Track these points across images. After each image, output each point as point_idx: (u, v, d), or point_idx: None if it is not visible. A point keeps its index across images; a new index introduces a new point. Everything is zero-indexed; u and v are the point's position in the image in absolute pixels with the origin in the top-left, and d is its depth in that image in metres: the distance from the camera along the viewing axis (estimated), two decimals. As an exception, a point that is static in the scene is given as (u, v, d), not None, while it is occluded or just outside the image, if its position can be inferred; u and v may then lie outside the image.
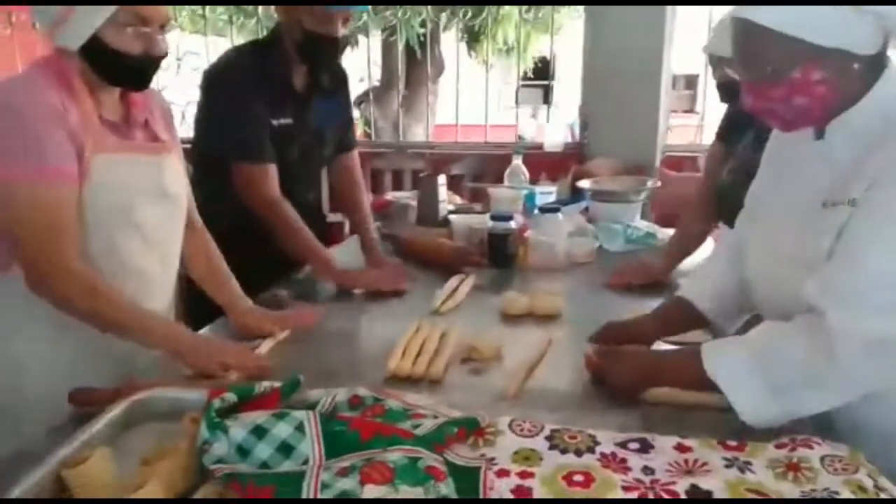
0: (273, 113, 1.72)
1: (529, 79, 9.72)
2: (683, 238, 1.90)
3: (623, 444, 0.93)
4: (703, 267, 1.37)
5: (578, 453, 0.90)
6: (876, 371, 0.97)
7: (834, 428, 1.07)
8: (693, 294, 1.31)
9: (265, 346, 1.34)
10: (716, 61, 1.82)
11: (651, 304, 1.67)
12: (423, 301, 1.65)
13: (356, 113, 6.62)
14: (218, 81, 1.73)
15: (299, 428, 0.85)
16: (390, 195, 2.49)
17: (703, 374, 1.03)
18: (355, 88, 6.00)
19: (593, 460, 0.89)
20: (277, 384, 1.01)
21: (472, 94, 4.52)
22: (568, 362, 1.30)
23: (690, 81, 9.30)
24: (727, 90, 1.99)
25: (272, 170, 1.69)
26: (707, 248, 1.90)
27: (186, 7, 5.75)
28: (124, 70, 1.26)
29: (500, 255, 1.95)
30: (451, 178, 3.86)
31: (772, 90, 0.99)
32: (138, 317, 1.25)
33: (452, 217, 2.19)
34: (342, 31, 1.68)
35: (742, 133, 1.73)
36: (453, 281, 1.77)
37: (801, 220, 1.06)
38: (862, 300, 0.94)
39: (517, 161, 2.35)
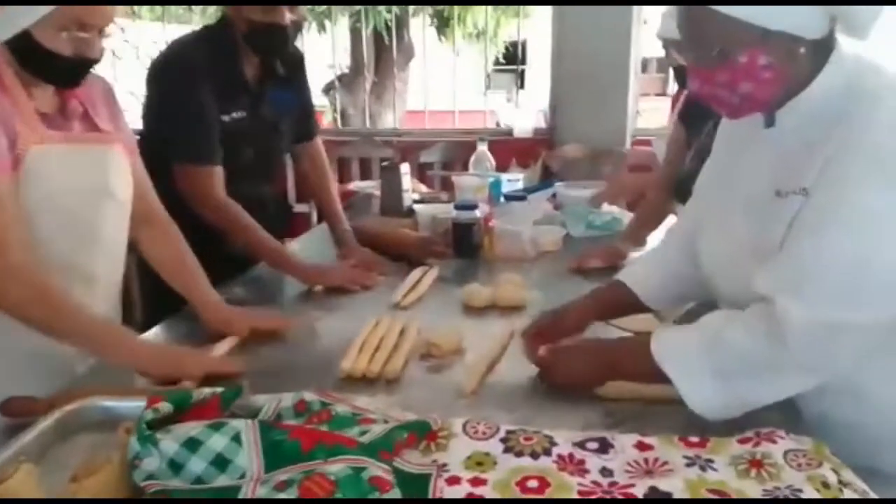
0: (224, 108, 1.65)
1: (501, 64, 9.65)
2: (644, 221, 1.90)
3: (581, 444, 0.90)
4: (648, 253, 1.34)
5: (534, 456, 0.86)
6: (827, 358, 0.95)
7: (802, 419, 1.05)
8: (630, 278, 1.27)
9: (222, 348, 1.28)
10: (668, 45, 1.81)
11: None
12: (384, 294, 1.60)
13: (324, 101, 6.56)
14: (162, 75, 1.64)
15: (236, 439, 0.80)
16: (353, 185, 2.43)
17: (654, 364, 1.00)
18: (325, 75, 5.92)
19: (549, 463, 0.85)
20: (219, 390, 0.96)
21: (444, 81, 4.46)
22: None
23: (662, 64, 9.31)
24: (682, 75, 1.99)
25: (218, 172, 1.61)
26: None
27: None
28: (54, 70, 1.18)
29: (464, 246, 1.90)
30: (420, 167, 3.83)
31: (717, 74, 0.96)
32: (92, 329, 1.16)
33: (417, 207, 2.14)
34: (290, 17, 1.61)
35: (704, 118, 1.70)
36: (416, 273, 1.72)
37: (755, 209, 1.03)
38: (811, 286, 0.92)
39: (482, 148, 2.30)
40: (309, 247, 2.00)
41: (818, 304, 0.91)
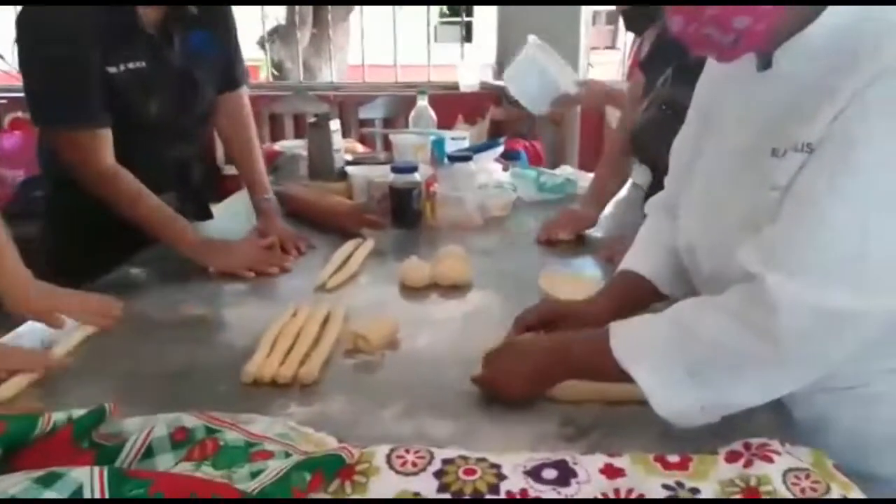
0: (114, 59, 1.35)
1: (447, 16, 9.30)
2: (605, 180, 1.71)
3: (536, 474, 0.72)
4: (642, 233, 1.14)
5: (476, 496, 0.68)
6: (822, 350, 0.76)
7: (793, 422, 0.89)
8: (642, 267, 1.07)
9: (65, 345, 1.06)
10: None
11: (576, 262, 1.49)
12: (308, 273, 1.39)
13: (260, 54, 6.16)
14: (24, 25, 1.34)
15: (76, 497, 0.59)
16: (279, 145, 2.16)
17: (615, 362, 0.82)
18: (257, 27, 5.53)
19: (496, 504, 0.67)
20: (78, 413, 0.75)
21: (388, 33, 4.15)
22: (475, 347, 1.08)
23: (612, 16, 9.11)
24: (630, 19, 1.80)
25: (100, 135, 1.33)
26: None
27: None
28: None
29: (403, 213, 1.69)
30: (361, 124, 3.57)
31: (706, 9, 0.76)
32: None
33: (350, 169, 1.91)
34: None
35: (663, 66, 1.51)
36: (347, 247, 1.51)
37: (744, 170, 0.85)
38: (809, 264, 0.74)
39: (422, 103, 2.06)
40: (226, 218, 1.75)
41: (819, 287, 0.73)
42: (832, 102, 0.74)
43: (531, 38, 1.99)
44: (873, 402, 0.87)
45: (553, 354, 0.90)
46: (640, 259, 1.08)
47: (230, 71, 1.62)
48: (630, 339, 0.83)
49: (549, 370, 0.90)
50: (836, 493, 0.70)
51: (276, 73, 6.27)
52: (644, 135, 1.54)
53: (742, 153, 0.87)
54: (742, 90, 0.89)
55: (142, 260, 1.45)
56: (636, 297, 1.06)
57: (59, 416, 0.74)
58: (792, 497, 0.69)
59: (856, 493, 0.71)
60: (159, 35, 1.43)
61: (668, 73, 1.50)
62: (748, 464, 0.74)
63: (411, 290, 1.32)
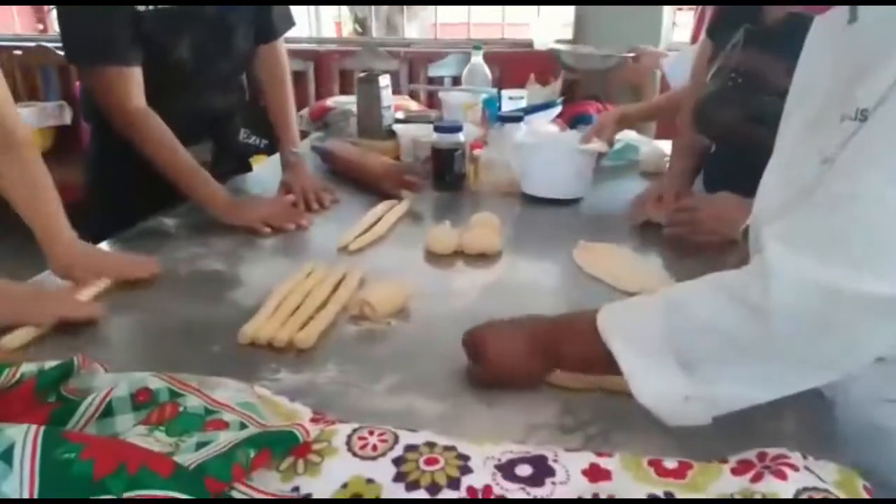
0: None
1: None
2: (685, 150, 1.53)
3: (508, 469, 0.65)
4: None
5: (434, 488, 0.61)
6: (837, 343, 0.64)
7: (835, 432, 0.78)
8: None
9: (87, 293, 1.05)
10: None
11: (614, 235, 1.37)
12: (335, 233, 1.34)
13: (344, 10, 6.13)
14: None
15: (5, 457, 0.57)
16: (331, 100, 2.12)
17: (601, 346, 0.73)
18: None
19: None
20: (52, 364, 0.73)
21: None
22: (488, 317, 1.01)
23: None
24: None
25: (129, 74, 1.31)
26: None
27: None
28: None
29: (444, 176, 1.62)
30: (429, 81, 3.49)
31: None
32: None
33: (397, 127, 1.85)
34: None
35: (732, 30, 1.36)
36: (380, 208, 1.46)
37: (810, 144, 0.73)
38: (830, 241, 0.62)
39: (477, 59, 1.96)
40: (264, 177, 1.73)
41: (823, 262, 0.61)
42: (892, 70, 0.61)
43: None
44: None
45: (538, 338, 0.81)
46: None
47: (266, 20, 1.58)
48: (617, 314, 0.74)
49: (535, 357, 0.81)
50: (856, 522, 0.60)
51: (359, 29, 6.23)
52: (709, 107, 1.39)
53: (811, 121, 0.75)
54: (826, 49, 0.76)
55: (177, 211, 1.45)
56: None
57: (28, 368, 0.73)
58: (800, 522, 0.60)
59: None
60: None
61: (739, 36, 1.35)
62: (757, 478, 0.64)
63: (436, 257, 1.26)
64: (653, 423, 0.75)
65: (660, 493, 0.63)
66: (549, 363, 0.80)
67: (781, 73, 1.23)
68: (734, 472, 0.66)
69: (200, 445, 0.63)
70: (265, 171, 1.76)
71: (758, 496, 0.62)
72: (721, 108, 1.35)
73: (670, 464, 0.67)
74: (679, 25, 3.48)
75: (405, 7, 4.61)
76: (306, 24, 4.29)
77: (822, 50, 0.79)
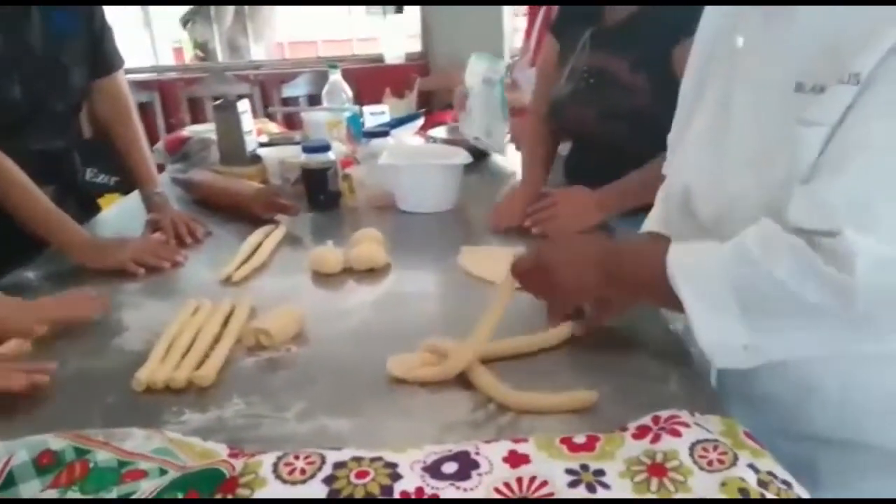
0: None
1: (375, -14, 9.11)
2: (536, 159, 1.61)
3: (436, 469, 0.68)
4: (658, 197, 1.08)
5: (368, 498, 0.63)
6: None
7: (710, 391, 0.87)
8: (661, 226, 1.04)
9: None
10: None
11: (494, 237, 1.44)
12: (214, 266, 1.31)
13: (183, 35, 5.90)
14: None
15: None
16: (187, 130, 2.05)
17: (667, 281, 0.77)
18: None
19: (388, 508, 0.63)
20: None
21: (319, 8, 3.99)
22: (385, 333, 1.04)
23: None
24: None
25: None
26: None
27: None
28: None
29: (318, 195, 1.62)
30: (283, 102, 3.45)
31: None
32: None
33: (262, 151, 1.82)
34: None
35: (579, 29, 1.46)
36: (256, 235, 1.44)
37: (764, 108, 0.79)
38: (884, 213, 0.67)
39: (335, 77, 1.98)
40: (121, 217, 1.65)
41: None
42: (888, 33, 0.66)
43: None
44: (857, 366, 0.83)
45: (603, 269, 0.86)
46: (657, 220, 1.05)
47: (101, 54, 1.51)
48: (687, 259, 0.77)
49: (598, 284, 0.86)
50: (744, 462, 0.68)
51: (200, 54, 6.01)
52: (567, 107, 1.48)
53: (757, 87, 0.80)
54: (756, 24, 0.82)
55: (38, 262, 1.35)
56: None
57: None
58: (699, 469, 0.67)
59: (767, 460, 0.69)
60: (15, 11, 1.33)
61: (586, 37, 1.45)
62: (655, 439, 0.71)
63: (324, 278, 1.26)
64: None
65: (576, 466, 0.68)
66: (610, 281, 0.85)
67: (626, 70, 1.35)
68: (635, 436, 0.73)
69: (125, 496, 0.60)
70: (121, 211, 1.68)
71: (659, 455, 0.69)
72: (578, 107, 1.45)
73: (579, 439, 0.73)
74: (519, 30, 3.67)
75: (249, 27, 4.51)
76: (145, 52, 4.10)
77: (740, 27, 0.84)
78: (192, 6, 5.41)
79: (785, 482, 0.66)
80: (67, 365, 0.98)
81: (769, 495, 0.64)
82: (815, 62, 0.73)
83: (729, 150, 0.83)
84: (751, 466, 0.67)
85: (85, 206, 1.65)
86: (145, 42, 4.13)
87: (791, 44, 0.77)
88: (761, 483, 0.65)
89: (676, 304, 0.77)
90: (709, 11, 0.93)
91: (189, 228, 1.45)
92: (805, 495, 0.65)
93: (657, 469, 0.67)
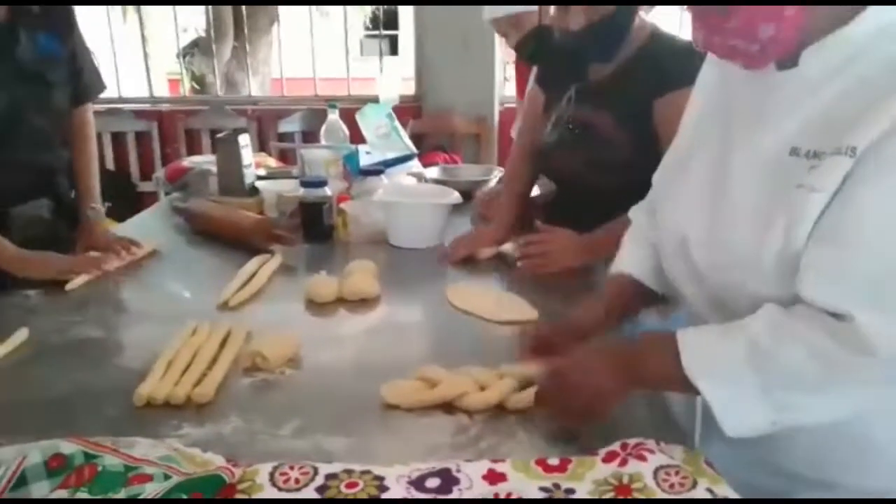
0: None
1: (371, 29, 9.31)
2: (509, 199, 1.70)
3: (420, 483, 0.73)
4: (628, 238, 1.13)
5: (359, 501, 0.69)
6: None
7: (672, 421, 0.93)
8: (633, 268, 1.08)
9: None
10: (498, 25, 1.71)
11: (481, 273, 1.51)
12: (212, 292, 1.37)
13: (181, 67, 6.03)
14: None
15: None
16: (187, 161, 2.13)
17: (682, 373, 0.80)
18: (180, 39, 5.41)
19: (376, 516, 0.68)
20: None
21: (316, 46, 4.10)
22: (377, 361, 1.09)
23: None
24: (523, 49, 1.80)
25: None
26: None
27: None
28: None
29: (314, 228, 1.69)
30: (279, 138, 3.54)
31: (728, 20, 0.76)
32: None
33: (260, 184, 1.90)
34: None
35: (563, 82, 1.56)
36: (253, 263, 1.50)
37: (762, 169, 0.81)
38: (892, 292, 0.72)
39: (333, 116, 2.07)
40: (139, 228, 1.72)
41: None
42: (880, 106, 0.71)
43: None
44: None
45: (620, 371, 0.86)
46: (629, 261, 1.10)
47: (79, 82, 1.62)
48: (701, 355, 0.80)
49: (617, 386, 0.87)
50: (702, 488, 0.74)
51: (197, 87, 6.14)
52: (553, 153, 1.57)
53: (756, 149, 0.83)
54: (757, 88, 0.84)
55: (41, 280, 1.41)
56: (629, 298, 1.08)
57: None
58: (661, 491, 0.73)
59: (724, 487, 0.76)
60: (3, 28, 1.43)
61: (572, 92, 1.54)
62: (623, 463, 0.78)
63: (318, 306, 1.32)
64: (533, 435, 0.88)
65: (549, 485, 0.74)
66: (631, 381, 0.87)
67: (610, 125, 1.44)
68: (604, 460, 0.79)
69: (130, 498, 0.65)
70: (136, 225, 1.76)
71: (626, 478, 0.75)
72: (564, 156, 1.54)
73: (553, 461, 0.79)
74: (510, 80, 3.80)
75: (248, 63, 4.62)
76: (142, 83, 4.19)
77: (740, 90, 0.87)
78: (192, 41, 5.57)
79: (739, 507, 0.72)
80: (69, 377, 1.03)
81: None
82: (808, 128, 0.77)
83: (727, 206, 0.86)
84: (709, 490, 0.74)
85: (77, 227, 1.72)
86: (141, 73, 4.23)
87: (781, 108, 0.81)
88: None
89: (695, 392, 0.80)
90: (710, 60, 0.97)
91: (122, 245, 1.55)
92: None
93: (623, 489, 0.73)
